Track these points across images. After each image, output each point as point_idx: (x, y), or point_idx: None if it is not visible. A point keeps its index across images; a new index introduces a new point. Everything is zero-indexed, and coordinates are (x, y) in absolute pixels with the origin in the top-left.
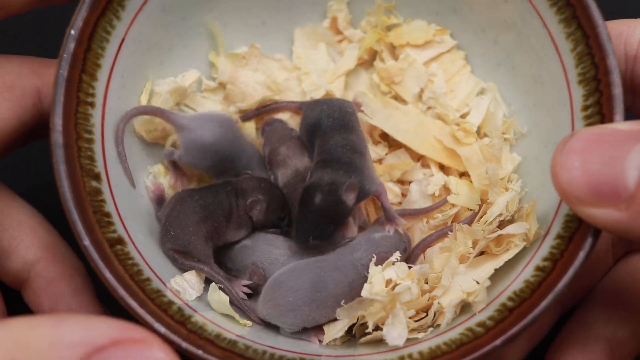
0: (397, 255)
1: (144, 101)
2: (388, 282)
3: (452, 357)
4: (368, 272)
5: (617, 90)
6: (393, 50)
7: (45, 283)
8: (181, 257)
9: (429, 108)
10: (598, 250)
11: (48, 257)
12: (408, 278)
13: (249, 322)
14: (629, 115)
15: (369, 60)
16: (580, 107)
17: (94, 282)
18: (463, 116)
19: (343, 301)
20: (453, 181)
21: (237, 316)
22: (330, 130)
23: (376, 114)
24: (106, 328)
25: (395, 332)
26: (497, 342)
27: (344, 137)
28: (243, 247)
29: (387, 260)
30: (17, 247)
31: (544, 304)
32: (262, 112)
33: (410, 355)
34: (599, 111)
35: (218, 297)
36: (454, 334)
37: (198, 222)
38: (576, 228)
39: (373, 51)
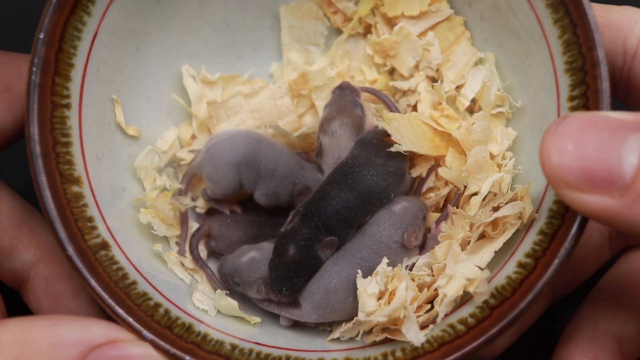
0: (384, 262)
1: (120, 121)
2: (381, 293)
3: (433, 357)
4: (404, 247)
5: (604, 85)
6: (389, 20)
7: (45, 283)
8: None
9: (427, 77)
10: (594, 243)
11: (47, 257)
12: (397, 281)
13: (258, 319)
14: (622, 107)
15: (364, 33)
16: (567, 96)
17: None
18: (459, 88)
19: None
20: (450, 154)
21: (246, 316)
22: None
23: (401, 133)
24: (102, 328)
25: (418, 332)
26: (478, 342)
27: (347, 202)
28: (252, 260)
29: (375, 271)
30: (17, 247)
31: (523, 304)
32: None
33: (393, 353)
34: (584, 104)
35: (226, 302)
36: (436, 330)
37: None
38: (559, 225)
39: (368, 23)
